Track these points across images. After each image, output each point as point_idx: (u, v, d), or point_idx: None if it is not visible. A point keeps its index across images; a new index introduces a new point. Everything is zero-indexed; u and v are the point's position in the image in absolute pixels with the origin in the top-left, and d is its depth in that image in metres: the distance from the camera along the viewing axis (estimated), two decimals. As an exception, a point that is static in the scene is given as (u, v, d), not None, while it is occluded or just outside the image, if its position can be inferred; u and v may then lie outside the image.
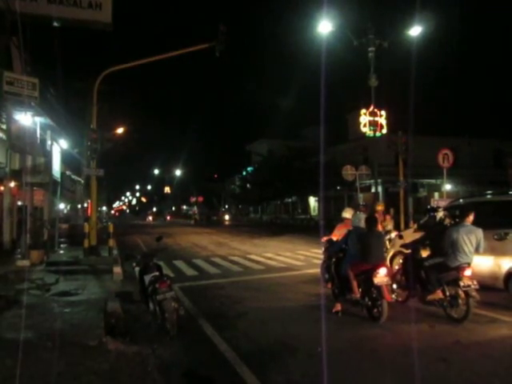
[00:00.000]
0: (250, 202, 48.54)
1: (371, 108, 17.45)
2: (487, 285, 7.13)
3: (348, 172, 19.62)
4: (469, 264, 6.23)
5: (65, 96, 18.49)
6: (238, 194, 53.07)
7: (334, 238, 7.81)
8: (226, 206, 60.30)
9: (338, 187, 30.24)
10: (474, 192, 19.32)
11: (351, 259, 6.73)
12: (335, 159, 31.66)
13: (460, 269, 6.16)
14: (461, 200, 8.97)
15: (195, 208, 60.29)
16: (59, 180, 17.89)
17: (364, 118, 17.53)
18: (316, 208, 41.43)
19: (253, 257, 14.30)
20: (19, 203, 13.98)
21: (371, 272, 6.29)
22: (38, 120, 13.77)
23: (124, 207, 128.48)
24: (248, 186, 47.20)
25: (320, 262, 9.38)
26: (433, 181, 27.18)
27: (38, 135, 14.10)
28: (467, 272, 6.12)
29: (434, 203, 14.02)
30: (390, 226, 11.49)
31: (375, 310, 6.30)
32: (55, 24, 12.08)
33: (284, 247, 17.17)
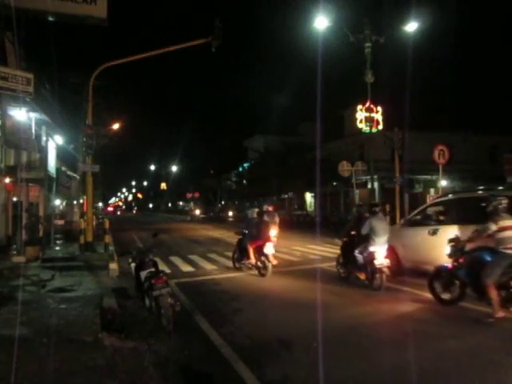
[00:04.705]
0: (247, 198, 48.48)
1: (367, 104, 17.46)
2: None
3: (344, 168, 19.63)
4: (383, 246, 7.95)
5: (60, 91, 18.40)
6: (234, 190, 52.99)
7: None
8: (223, 202, 60.21)
9: (335, 183, 30.19)
10: (472, 188, 19.40)
11: (250, 238, 10.12)
12: (331, 155, 31.64)
13: (376, 250, 7.88)
14: (450, 195, 9.25)
15: (191, 204, 60.13)
16: (54, 176, 17.83)
17: (360, 114, 17.54)
18: (312, 204, 41.44)
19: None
20: (14, 199, 13.93)
21: (262, 245, 9.67)
22: (33, 116, 13.72)
23: (120, 203, 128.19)
24: (244, 182, 47.11)
25: (315, 257, 10.79)
26: (429, 177, 27.23)
27: (33, 131, 14.05)
28: (381, 253, 7.86)
29: (429, 199, 14.15)
30: None
31: (264, 271, 9.63)
32: (50, 19, 11.98)
33: (280, 243, 17.08)
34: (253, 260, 9.89)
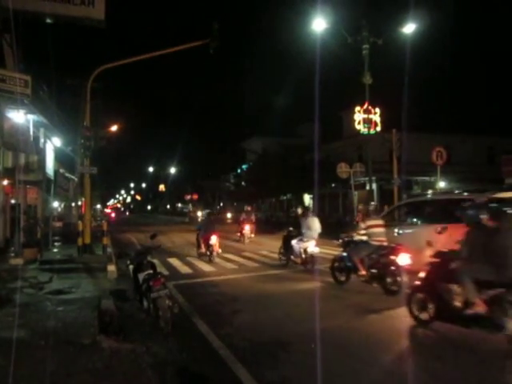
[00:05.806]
0: (246, 199, 48.48)
1: (365, 105, 17.48)
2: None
3: (342, 169, 19.63)
4: (314, 239, 10.39)
5: (58, 93, 18.38)
6: (233, 191, 52.96)
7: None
8: (221, 204, 60.20)
9: (333, 185, 30.20)
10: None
11: (202, 233, 13.06)
12: (330, 157, 31.66)
13: (308, 241, 10.32)
14: (428, 196, 10.15)
15: (190, 206, 59.97)
16: (53, 178, 17.78)
17: (358, 116, 17.57)
18: (311, 205, 41.50)
19: (247, 254, 14.30)
20: (12, 201, 13.89)
21: (209, 238, 12.50)
22: (31, 118, 13.69)
23: (118, 205, 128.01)
24: (243, 183, 47.09)
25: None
26: (427, 178, 27.25)
27: (31, 133, 14.02)
28: (311, 244, 10.34)
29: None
30: None
31: (211, 258, 12.37)
32: (48, 21, 11.99)
33: (279, 244, 17.09)
34: (203, 249, 12.93)
